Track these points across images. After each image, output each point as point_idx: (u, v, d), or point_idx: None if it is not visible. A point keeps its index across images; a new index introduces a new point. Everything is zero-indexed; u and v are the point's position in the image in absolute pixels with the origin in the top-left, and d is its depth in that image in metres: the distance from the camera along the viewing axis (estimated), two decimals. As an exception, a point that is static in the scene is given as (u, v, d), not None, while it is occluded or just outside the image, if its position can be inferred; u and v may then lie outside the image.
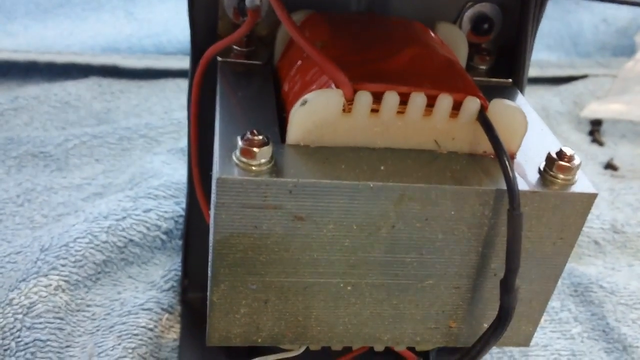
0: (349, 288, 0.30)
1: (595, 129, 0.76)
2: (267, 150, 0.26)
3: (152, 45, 0.77)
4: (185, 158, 0.59)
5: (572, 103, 0.78)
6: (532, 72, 0.83)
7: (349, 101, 0.27)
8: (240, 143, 0.26)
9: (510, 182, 0.27)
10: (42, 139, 0.60)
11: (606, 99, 0.78)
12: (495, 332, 0.30)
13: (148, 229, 0.48)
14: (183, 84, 0.74)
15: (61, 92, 0.68)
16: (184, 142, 0.61)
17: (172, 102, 0.70)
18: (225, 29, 0.35)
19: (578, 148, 0.73)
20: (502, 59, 0.37)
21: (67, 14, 0.78)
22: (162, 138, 0.63)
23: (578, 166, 0.29)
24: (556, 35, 0.91)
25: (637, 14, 0.91)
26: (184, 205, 0.50)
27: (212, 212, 0.28)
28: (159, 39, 0.78)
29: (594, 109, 0.76)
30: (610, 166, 0.70)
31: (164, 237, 0.49)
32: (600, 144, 0.74)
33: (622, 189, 0.65)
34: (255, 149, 0.26)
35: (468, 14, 0.37)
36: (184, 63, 0.76)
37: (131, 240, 0.47)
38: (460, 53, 0.36)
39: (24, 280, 0.42)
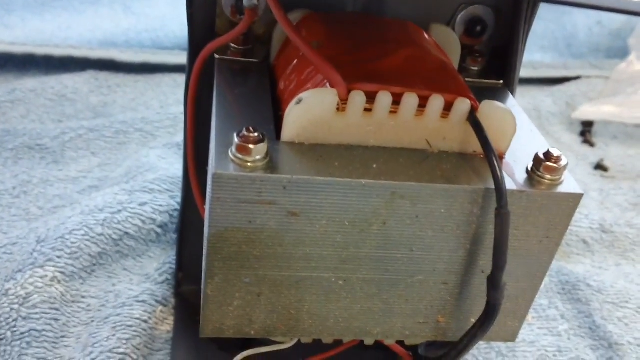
0: (340, 282, 0.31)
1: (586, 129, 0.77)
2: (263, 147, 0.27)
3: (150, 39, 0.77)
4: (181, 152, 0.59)
5: (564, 104, 0.79)
6: (526, 72, 0.84)
7: (343, 100, 0.28)
8: (236, 140, 0.27)
9: (499, 182, 0.28)
10: (38, 132, 0.60)
11: (598, 101, 0.79)
12: (482, 327, 0.31)
13: (143, 222, 0.49)
14: (179, 78, 0.74)
15: (58, 85, 0.68)
16: (179, 137, 0.62)
17: (169, 96, 0.71)
18: (223, 26, 0.36)
19: (569, 148, 0.74)
20: (494, 61, 0.38)
21: (65, 7, 0.79)
22: (158, 132, 0.63)
23: (565, 167, 0.30)
24: (551, 37, 0.92)
25: (631, 17, 0.92)
26: (179, 199, 0.51)
27: (207, 207, 0.29)
28: (156, 33, 0.78)
29: (586, 111, 0.77)
30: (600, 167, 0.71)
31: (159, 230, 0.49)
32: (591, 144, 0.75)
33: (611, 190, 0.66)
34: (250, 146, 0.27)
35: (461, 16, 0.37)
36: (181, 58, 0.76)
37: (126, 233, 0.48)
38: (453, 54, 0.36)
39: (20, 271, 0.43)
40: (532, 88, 0.82)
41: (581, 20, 0.93)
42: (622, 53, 0.91)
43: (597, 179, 0.69)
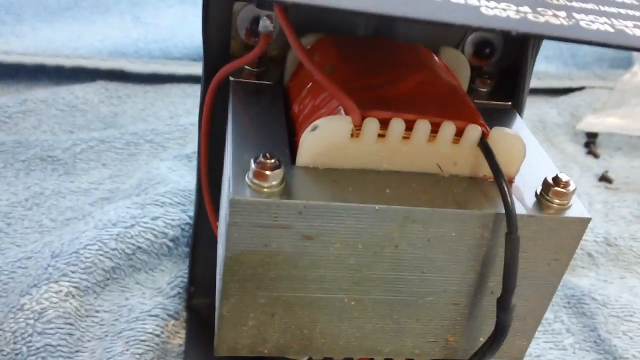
0: (353, 303, 0.31)
1: (590, 141, 0.77)
2: (279, 173, 0.28)
3: (159, 50, 0.78)
4: (191, 165, 0.60)
5: (569, 115, 0.80)
6: (530, 83, 0.84)
7: (357, 127, 0.29)
8: (253, 166, 0.28)
9: (509, 207, 0.29)
10: (50, 143, 0.61)
11: (602, 112, 0.80)
12: (491, 348, 0.32)
13: (155, 236, 0.49)
14: (189, 89, 0.75)
15: (69, 95, 0.69)
16: (189, 149, 0.63)
17: (178, 107, 0.71)
18: (238, 48, 0.36)
19: (574, 160, 0.74)
20: (503, 82, 0.39)
21: (75, 17, 0.79)
22: (168, 144, 0.64)
23: (573, 191, 0.30)
24: (555, 47, 0.92)
25: None
26: (190, 213, 0.52)
27: (223, 230, 0.30)
28: (166, 44, 0.79)
29: (590, 122, 0.78)
30: (604, 178, 0.71)
31: (170, 244, 0.50)
32: (596, 156, 0.76)
33: (615, 202, 0.67)
34: (267, 172, 0.27)
35: (471, 38, 0.38)
36: (190, 68, 0.77)
37: (139, 248, 0.48)
38: (463, 76, 0.37)
39: (35, 285, 0.44)
40: (536, 99, 0.83)
41: (586, 30, 0.93)
42: (626, 63, 0.91)
43: (602, 190, 0.69)
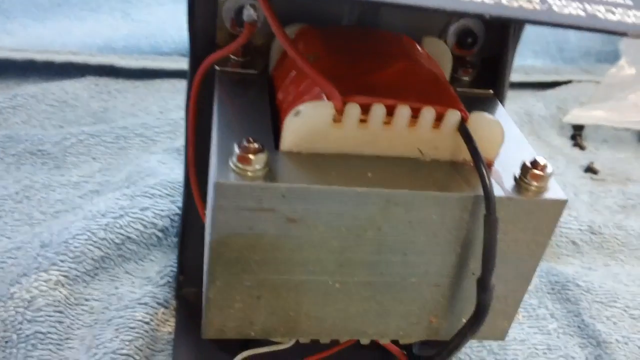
0: (337, 286, 0.32)
1: (577, 133, 0.78)
2: (262, 157, 0.28)
3: (149, 45, 0.79)
4: (180, 158, 0.61)
5: (555, 108, 0.81)
6: (518, 77, 0.86)
7: (339, 112, 0.29)
8: (236, 150, 0.28)
9: (487, 189, 0.29)
10: (40, 137, 0.61)
11: (589, 105, 0.81)
12: (472, 327, 0.33)
13: (145, 226, 0.50)
14: (179, 84, 0.76)
15: (59, 91, 0.69)
16: (179, 142, 0.63)
17: (168, 102, 0.72)
18: (223, 38, 0.37)
19: (560, 152, 0.75)
20: (485, 71, 0.40)
21: (65, 13, 0.80)
22: (158, 137, 0.64)
23: (550, 174, 0.31)
24: (542, 42, 0.93)
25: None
26: (179, 204, 0.52)
27: (209, 214, 0.30)
28: (156, 39, 0.79)
29: (577, 115, 0.79)
30: (590, 170, 0.72)
31: (160, 234, 0.50)
32: (582, 148, 0.77)
33: (601, 192, 0.68)
34: (251, 156, 0.28)
35: (453, 28, 0.39)
36: (180, 64, 0.77)
37: (128, 238, 0.49)
38: (445, 65, 0.38)
39: (24, 275, 0.44)
40: (523, 92, 0.84)
41: (572, 25, 0.94)
42: (612, 57, 0.92)
43: (587, 181, 0.70)
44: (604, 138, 0.79)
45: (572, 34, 0.95)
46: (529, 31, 1.00)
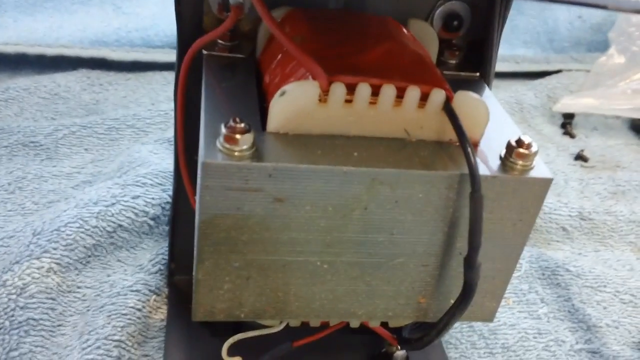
0: (325, 266, 0.32)
1: (567, 121, 0.79)
2: (249, 137, 0.29)
3: (140, 38, 0.79)
4: (172, 148, 0.61)
5: (545, 97, 0.81)
6: (508, 66, 0.86)
7: (325, 92, 0.30)
8: (223, 130, 0.28)
9: (472, 167, 0.30)
10: (32, 129, 0.62)
11: (579, 94, 0.81)
12: (460, 306, 0.33)
13: (136, 214, 0.50)
14: (170, 76, 0.76)
15: (51, 83, 0.69)
16: (170, 133, 0.63)
17: (159, 94, 0.72)
18: (211, 23, 0.37)
19: (550, 140, 0.76)
20: (471, 54, 0.40)
21: (57, 7, 0.80)
22: (150, 129, 0.64)
23: (535, 153, 0.32)
24: (532, 32, 0.94)
25: (611, 11, 0.94)
26: (170, 192, 0.52)
27: (197, 195, 0.30)
28: (147, 32, 0.79)
29: (567, 103, 0.79)
30: (580, 157, 0.73)
31: (151, 222, 0.51)
32: (572, 136, 0.77)
33: (591, 179, 0.68)
34: (237, 136, 0.28)
35: (439, 11, 0.39)
36: (170, 56, 0.78)
37: (120, 226, 0.49)
38: (431, 48, 0.38)
39: (17, 262, 0.44)
40: (514, 82, 0.84)
41: (562, 14, 0.95)
42: (602, 46, 0.93)
43: (577, 169, 0.71)
44: (594, 126, 0.79)
45: (562, 24, 0.95)
46: (518, 20, 1.01)
